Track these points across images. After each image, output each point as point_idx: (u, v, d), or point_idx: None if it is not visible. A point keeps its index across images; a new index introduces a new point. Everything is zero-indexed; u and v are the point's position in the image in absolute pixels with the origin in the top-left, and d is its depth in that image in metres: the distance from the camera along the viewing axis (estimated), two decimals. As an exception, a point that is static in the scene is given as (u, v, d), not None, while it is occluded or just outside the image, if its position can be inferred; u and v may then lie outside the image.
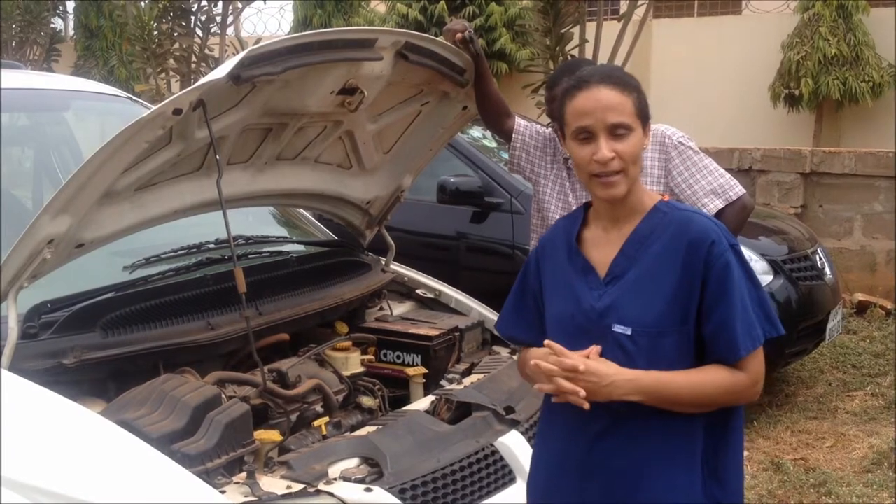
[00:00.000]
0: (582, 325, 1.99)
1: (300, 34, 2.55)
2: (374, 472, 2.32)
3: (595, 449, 1.99)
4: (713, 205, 3.17)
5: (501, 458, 2.56)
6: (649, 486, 1.95)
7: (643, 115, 1.98)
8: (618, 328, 1.95)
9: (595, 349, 1.94)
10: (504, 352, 3.32)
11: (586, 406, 1.89)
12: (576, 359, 1.90)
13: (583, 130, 1.95)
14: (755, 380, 1.94)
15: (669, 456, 1.95)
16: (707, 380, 1.92)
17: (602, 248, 2.03)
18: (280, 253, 3.38)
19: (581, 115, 1.95)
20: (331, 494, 2.19)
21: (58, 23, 15.37)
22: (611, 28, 8.23)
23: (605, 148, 1.92)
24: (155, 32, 9.20)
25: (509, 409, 2.71)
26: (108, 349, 2.46)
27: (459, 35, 3.08)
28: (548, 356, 1.94)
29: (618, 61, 7.83)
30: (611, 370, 1.90)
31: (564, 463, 2.05)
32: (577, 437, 2.02)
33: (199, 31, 9.13)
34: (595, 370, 1.89)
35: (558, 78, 3.28)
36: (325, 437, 2.59)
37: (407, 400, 3.03)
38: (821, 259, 5.79)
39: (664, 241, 1.96)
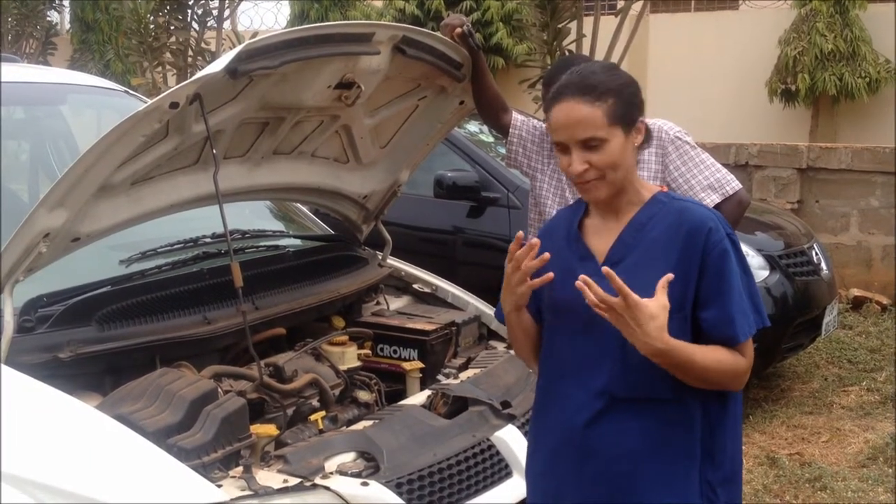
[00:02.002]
0: (580, 310, 1.99)
1: (297, 28, 2.55)
2: (371, 466, 2.33)
3: (592, 432, 2.01)
4: (710, 200, 3.17)
5: (498, 453, 2.57)
6: (647, 470, 1.97)
7: (622, 120, 1.98)
8: None
9: (668, 276, 1.89)
10: (501, 346, 3.33)
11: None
12: (629, 298, 1.84)
13: (558, 144, 2.00)
14: (749, 365, 2.00)
15: (667, 440, 1.97)
16: (718, 358, 1.95)
17: (601, 235, 2.07)
18: (277, 247, 3.37)
19: (555, 129, 2.01)
20: (327, 488, 2.20)
21: (54, 16, 15.33)
22: (608, 23, 8.22)
23: (576, 162, 1.97)
24: (151, 26, 9.18)
25: (506, 404, 2.71)
26: (105, 343, 2.46)
27: (458, 30, 3.07)
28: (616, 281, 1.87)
29: (615, 57, 7.84)
30: (653, 329, 1.85)
31: (562, 445, 2.07)
32: (575, 419, 2.03)
33: (195, 25, 9.12)
34: (643, 322, 1.84)
35: (555, 74, 3.26)
36: (321, 432, 2.59)
37: (403, 394, 3.03)
38: (817, 254, 5.80)
39: (661, 229, 2.00)
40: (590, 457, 2.01)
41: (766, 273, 5.27)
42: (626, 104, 2.00)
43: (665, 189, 2.10)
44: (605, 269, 1.89)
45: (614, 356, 1.98)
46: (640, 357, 1.92)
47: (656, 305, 1.87)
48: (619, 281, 1.86)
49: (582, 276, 1.89)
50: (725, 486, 2.03)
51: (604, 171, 1.97)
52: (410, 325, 3.18)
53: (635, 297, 1.84)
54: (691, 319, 1.97)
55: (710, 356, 1.95)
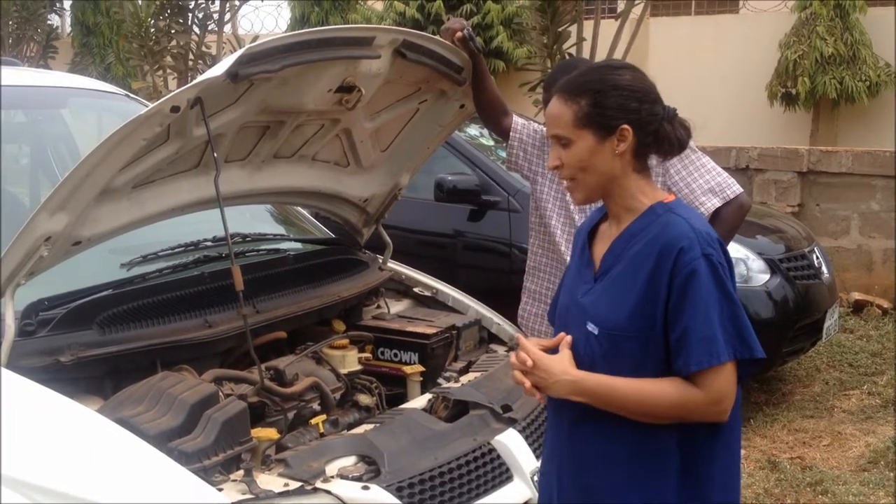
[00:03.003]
0: (571, 317, 2.02)
1: (298, 32, 2.55)
2: (372, 469, 2.33)
3: (569, 436, 2.02)
4: (710, 203, 3.17)
5: (498, 457, 2.56)
6: (614, 484, 1.96)
7: (593, 123, 1.93)
8: (589, 326, 1.96)
9: (567, 338, 1.98)
10: (501, 350, 3.33)
11: (537, 397, 1.98)
12: (530, 352, 1.95)
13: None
14: (714, 399, 1.86)
15: (633, 456, 1.93)
16: (655, 391, 1.88)
17: (604, 242, 2.05)
18: (277, 251, 3.37)
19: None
20: (328, 492, 2.20)
21: (55, 20, 15.36)
22: (608, 26, 8.23)
23: (551, 156, 1.99)
24: (152, 30, 9.19)
25: (506, 408, 2.71)
26: (105, 346, 2.46)
27: (459, 34, 3.07)
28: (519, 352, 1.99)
29: (615, 60, 7.83)
30: (557, 368, 1.92)
31: (552, 448, 2.10)
32: (556, 424, 2.06)
33: (196, 29, 9.12)
34: (545, 366, 1.93)
35: (555, 78, 3.27)
36: (322, 435, 2.59)
37: (404, 398, 3.03)
38: (818, 258, 5.80)
39: (643, 243, 1.94)
40: (565, 461, 2.03)
41: (766, 277, 5.27)
42: (604, 108, 1.93)
43: (671, 198, 2.02)
44: (517, 336, 2.04)
45: (582, 366, 1.96)
46: (603, 368, 1.92)
47: (557, 355, 1.95)
48: (523, 341, 1.98)
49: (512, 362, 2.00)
50: None
51: (573, 170, 1.96)
52: (411, 328, 3.18)
53: (537, 353, 1.94)
54: (664, 344, 1.89)
55: (644, 389, 1.87)
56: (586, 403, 1.93)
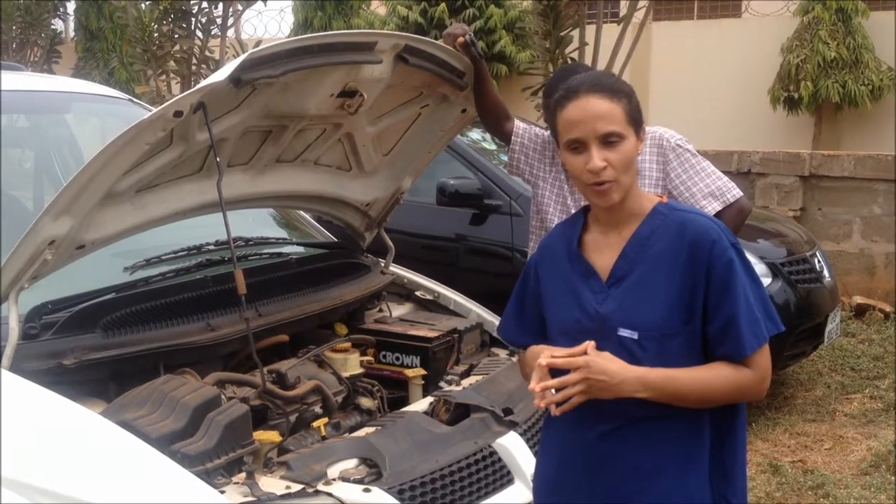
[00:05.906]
0: (587, 329, 1.98)
1: (300, 37, 2.56)
2: (373, 472, 2.33)
3: (603, 447, 2.00)
4: (710, 207, 3.18)
5: (500, 460, 2.57)
6: (660, 487, 1.96)
7: (635, 121, 1.97)
8: (624, 332, 1.95)
9: (591, 343, 1.93)
10: (503, 353, 3.33)
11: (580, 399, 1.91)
12: (580, 358, 1.90)
13: (574, 141, 1.95)
14: (762, 376, 1.96)
15: (680, 456, 1.96)
16: (714, 376, 1.93)
17: (603, 251, 2.04)
18: (280, 254, 3.39)
19: (571, 126, 1.95)
20: (330, 495, 2.20)
21: (58, 24, 15.39)
22: (610, 31, 8.24)
23: (596, 158, 1.92)
24: (155, 34, 9.20)
25: (508, 411, 2.72)
26: (109, 350, 2.47)
27: (461, 39, 3.08)
28: (553, 355, 1.93)
29: (617, 64, 7.85)
30: (618, 367, 1.90)
31: (572, 460, 2.06)
32: (586, 434, 2.01)
33: (199, 34, 9.13)
34: (604, 368, 1.89)
35: (555, 85, 3.28)
36: (324, 438, 2.60)
37: (406, 401, 3.04)
38: (819, 262, 5.80)
39: (665, 243, 1.97)
40: (600, 472, 2.01)
41: (768, 280, 5.28)
42: (636, 109, 1.99)
43: (665, 199, 2.07)
44: (546, 360, 1.91)
45: None
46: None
47: (604, 356, 1.91)
48: (563, 356, 1.91)
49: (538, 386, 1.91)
50: (738, 496, 2.03)
51: (618, 171, 1.92)
52: (413, 332, 3.19)
53: (584, 358, 1.89)
54: (701, 333, 1.94)
55: (703, 377, 1.93)
56: (624, 415, 1.94)
